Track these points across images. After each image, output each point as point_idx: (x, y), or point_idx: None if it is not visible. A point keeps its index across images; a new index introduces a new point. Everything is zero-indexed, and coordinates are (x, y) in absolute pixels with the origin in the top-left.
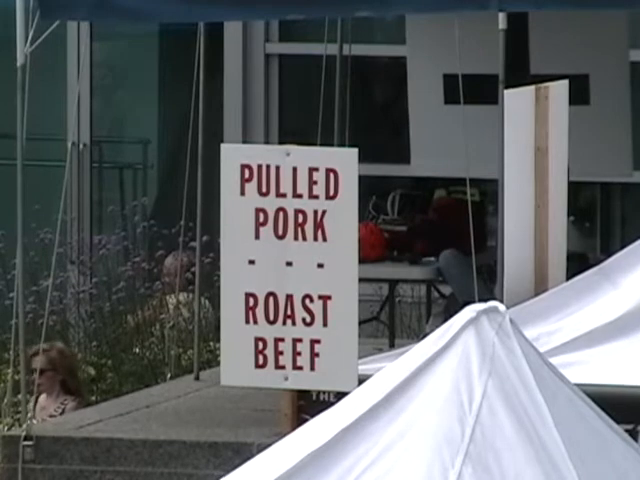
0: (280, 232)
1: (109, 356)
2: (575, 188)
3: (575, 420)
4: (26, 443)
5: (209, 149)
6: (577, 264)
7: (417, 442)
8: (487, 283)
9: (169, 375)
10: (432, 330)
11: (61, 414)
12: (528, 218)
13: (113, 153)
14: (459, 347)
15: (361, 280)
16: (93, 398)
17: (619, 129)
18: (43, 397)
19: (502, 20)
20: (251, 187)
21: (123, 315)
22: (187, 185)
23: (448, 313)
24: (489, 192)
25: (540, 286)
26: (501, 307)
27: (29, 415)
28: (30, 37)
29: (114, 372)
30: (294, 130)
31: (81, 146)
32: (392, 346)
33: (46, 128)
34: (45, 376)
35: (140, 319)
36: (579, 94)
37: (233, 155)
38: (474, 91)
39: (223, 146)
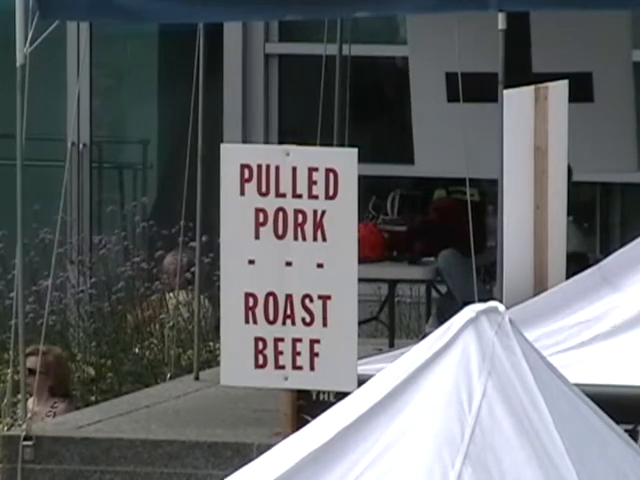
0: (280, 232)
1: (109, 356)
2: (575, 188)
3: (575, 420)
4: (26, 443)
5: (209, 149)
6: (577, 264)
7: (417, 442)
8: (486, 283)
9: (169, 375)
10: (432, 330)
11: (53, 417)
12: (527, 218)
13: (113, 153)
14: (459, 347)
15: (361, 280)
16: (93, 398)
17: (623, 126)
18: (32, 401)
19: (501, 20)
20: (251, 187)
21: (123, 315)
22: (187, 185)
23: (442, 312)
24: (489, 192)
25: (539, 286)
26: (500, 307)
27: (28, 415)
28: (29, 37)
29: (114, 372)
30: (294, 130)
31: (81, 146)
32: (392, 346)
33: (46, 128)
34: (36, 378)
35: (140, 319)
36: (582, 92)
37: (233, 155)
38: (478, 89)
39: (223, 146)
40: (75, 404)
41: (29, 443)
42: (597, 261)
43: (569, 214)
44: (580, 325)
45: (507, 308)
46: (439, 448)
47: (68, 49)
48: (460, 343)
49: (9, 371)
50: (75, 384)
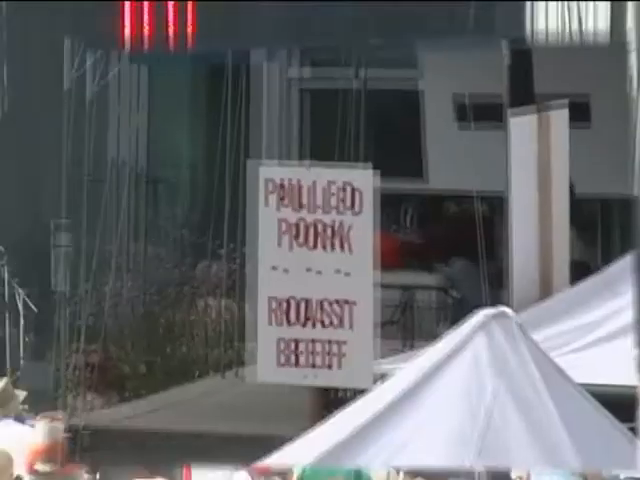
0: (303, 241)
1: (158, 354)
2: (578, 203)
3: (579, 416)
4: (84, 432)
5: (238, 167)
6: (580, 272)
7: (433, 439)
8: (496, 289)
9: (205, 372)
10: (446, 333)
11: (108, 409)
12: (533, 231)
13: (157, 171)
14: (471, 349)
15: (382, 287)
16: (143, 392)
17: (621, 147)
18: (89, 395)
19: (507, 57)
20: (274, 200)
21: (171, 318)
22: (229, 200)
23: (456, 317)
24: (497, 207)
25: (545, 292)
26: (509, 312)
27: (86, 407)
28: (76, 65)
29: (162, 369)
30: (315, 152)
31: (127, 164)
32: (409, 348)
33: (97, 147)
34: (97, 373)
35: (185, 322)
36: (580, 113)
37: (258, 170)
38: (486, 111)
39: (249, 162)
40: (127, 397)
41: (87, 432)
42: (599, 269)
43: (572, 227)
44: (583, 328)
45: (516, 312)
46: (454, 445)
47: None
48: (472, 346)
49: (70, 368)
50: (128, 379)
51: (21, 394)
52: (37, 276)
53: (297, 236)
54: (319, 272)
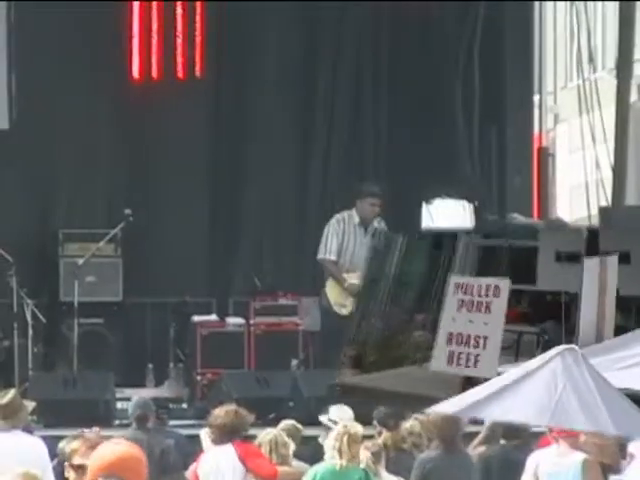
0: (467, 307)
1: (386, 355)
2: (622, 299)
3: (618, 407)
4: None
5: (444, 280)
6: (621, 331)
7: (526, 407)
8: (568, 338)
9: (411, 364)
10: (537, 356)
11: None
12: (593, 308)
13: (402, 281)
14: (551, 366)
15: (504, 331)
16: (375, 371)
17: None
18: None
19: (584, 232)
20: (457, 290)
21: (396, 338)
22: (435, 291)
23: (545, 348)
24: (574, 297)
25: (598, 340)
26: (576, 347)
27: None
28: None
29: (385, 362)
30: (478, 272)
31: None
32: (516, 361)
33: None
34: (353, 360)
35: (402, 340)
36: (625, 258)
37: (451, 277)
38: (571, 258)
39: (449, 274)
40: (368, 371)
41: (339, 389)
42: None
43: (617, 309)
44: (624, 358)
45: (580, 348)
46: (538, 413)
47: None
48: (551, 364)
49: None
50: (370, 365)
51: (30, 405)
52: (45, 286)
53: (464, 305)
54: (472, 322)
